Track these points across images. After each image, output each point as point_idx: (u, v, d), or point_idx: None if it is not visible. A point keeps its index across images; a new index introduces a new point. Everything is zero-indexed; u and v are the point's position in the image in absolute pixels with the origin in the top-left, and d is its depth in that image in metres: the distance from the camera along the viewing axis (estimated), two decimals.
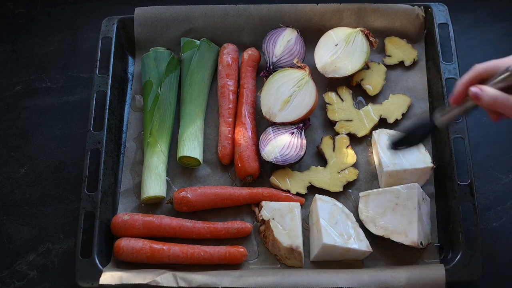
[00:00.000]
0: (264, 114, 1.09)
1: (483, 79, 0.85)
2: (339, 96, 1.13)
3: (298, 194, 1.04)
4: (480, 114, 1.14)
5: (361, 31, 1.14)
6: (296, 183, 1.05)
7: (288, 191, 1.04)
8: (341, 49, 1.13)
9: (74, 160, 1.12)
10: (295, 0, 1.21)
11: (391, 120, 1.10)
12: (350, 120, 1.10)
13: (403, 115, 1.11)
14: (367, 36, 1.14)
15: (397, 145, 0.96)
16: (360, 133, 1.09)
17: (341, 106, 1.12)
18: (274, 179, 1.05)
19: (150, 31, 1.20)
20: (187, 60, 1.17)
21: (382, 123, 1.11)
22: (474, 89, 0.82)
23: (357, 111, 1.12)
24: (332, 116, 1.11)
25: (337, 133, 1.10)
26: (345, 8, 1.18)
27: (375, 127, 1.10)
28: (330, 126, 1.12)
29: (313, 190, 1.05)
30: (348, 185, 1.05)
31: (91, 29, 1.27)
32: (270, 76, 1.10)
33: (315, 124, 1.12)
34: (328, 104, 1.12)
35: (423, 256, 0.98)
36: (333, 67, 1.13)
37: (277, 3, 1.20)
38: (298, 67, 1.10)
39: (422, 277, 0.91)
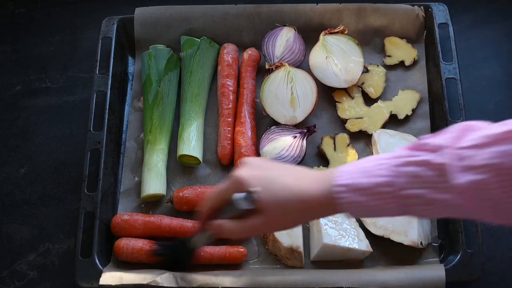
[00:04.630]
0: (285, 123, 1.08)
1: (219, 209, 0.81)
2: (349, 94, 1.13)
3: None
4: (480, 114, 1.14)
5: (325, 34, 1.14)
6: None
7: None
8: (333, 62, 1.13)
9: (74, 160, 1.12)
10: (295, 0, 1.21)
11: (401, 116, 1.10)
12: (361, 118, 1.10)
13: (413, 110, 1.11)
14: (335, 33, 1.14)
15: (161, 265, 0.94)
16: (372, 130, 1.09)
17: (351, 104, 1.12)
18: None
19: (150, 31, 1.20)
20: (187, 59, 1.17)
21: (393, 119, 1.11)
22: (214, 226, 0.80)
23: (368, 108, 1.12)
24: (342, 114, 1.11)
25: (338, 133, 1.10)
26: (345, 8, 1.18)
27: (386, 124, 1.10)
28: (330, 127, 1.12)
29: None
30: None
31: (91, 29, 1.27)
32: (261, 93, 1.10)
33: (316, 124, 1.12)
34: (338, 102, 1.12)
35: (423, 256, 0.98)
36: (335, 81, 1.13)
37: (277, 3, 1.20)
38: (277, 67, 1.10)
39: (422, 277, 0.91)
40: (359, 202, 0.68)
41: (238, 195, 0.76)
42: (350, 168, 0.70)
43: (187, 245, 0.88)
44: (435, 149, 0.65)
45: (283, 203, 0.73)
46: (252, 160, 0.79)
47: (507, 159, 0.59)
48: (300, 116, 1.09)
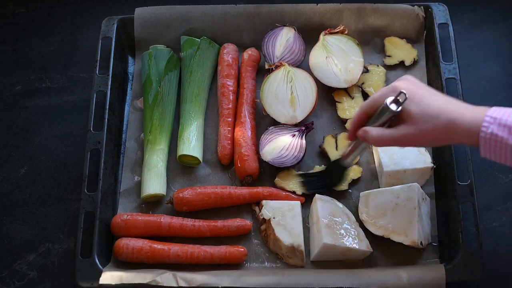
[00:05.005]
0: (285, 123, 1.08)
1: (370, 115, 0.87)
2: (349, 94, 1.13)
3: (304, 195, 1.04)
4: None
5: (325, 34, 1.14)
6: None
7: (294, 192, 1.04)
8: (333, 62, 1.13)
9: (74, 160, 1.12)
10: (295, 0, 1.21)
11: None
12: None
13: None
14: (335, 33, 1.14)
15: (312, 188, 1.03)
16: None
17: (351, 104, 1.12)
18: (279, 181, 1.05)
19: (150, 31, 1.20)
20: (187, 59, 1.17)
21: None
22: (360, 132, 0.86)
23: None
24: (342, 114, 1.11)
25: (338, 132, 1.10)
26: (345, 8, 1.18)
27: None
28: (330, 127, 1.12)
29: None
30: (349, 185, 1.05)
31: (91, 29, 1.27)
32: (261, 93, 1.10)
33: (316, 124, 1.12)
34: (338, 102, 1.12)
35: (423, 256, 0.98)
36: (335, 81, 1.13)
37: (277, 3, 1.20)
38: (276, 67, 1.11)
39: (422, 277, 0.91)
40: (500, 138, 0.74)
41: (389, 99, 0.82)
42: (505, 109, 0.76)
43: (339, 164, 0.98)
44: None
45: (432, 118, 0.79)
46: (411, 77, 0.86)
47: None
48: (300, 116, 1.08)
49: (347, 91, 1.13)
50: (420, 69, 1.16)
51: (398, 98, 0.81)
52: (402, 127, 0.82)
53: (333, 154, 1.07)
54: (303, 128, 1.07)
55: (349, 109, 1.11)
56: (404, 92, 0.81)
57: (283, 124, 1.08)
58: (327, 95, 1.14)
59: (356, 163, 1.07)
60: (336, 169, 1.00)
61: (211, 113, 1.15)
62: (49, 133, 1.16)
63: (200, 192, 1.03)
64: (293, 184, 1.05)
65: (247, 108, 1.12)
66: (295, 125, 1.09)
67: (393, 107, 0.82)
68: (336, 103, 1.13)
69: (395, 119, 0.84)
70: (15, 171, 1.12)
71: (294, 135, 1.06)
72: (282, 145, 1.05)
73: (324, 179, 1.03)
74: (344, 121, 1.11)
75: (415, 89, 0.83)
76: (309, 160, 1.08)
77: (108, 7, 1.30)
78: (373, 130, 0.85)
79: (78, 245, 0.97)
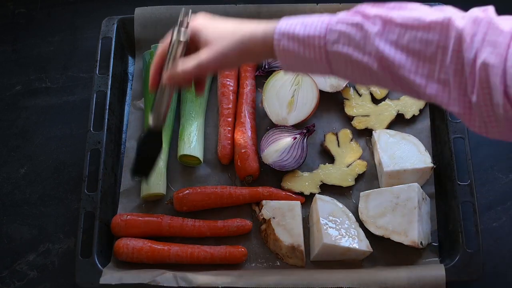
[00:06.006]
0: (275, 123, 1.08)
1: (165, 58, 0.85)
2: (357, 91, 1.13)
3: (312, 194, 1.04)
4: None
5: None
6: (309, 184, 1.05)
7: (302, 193, 1.04)
8: None
9: (74, 160, 1.12)
10: (295, 0, 1.21)
11: (408, 116, 1.10)
12: (367, 116, 1.10)
13: (420, 111, 1.11)
14: None
15: (136, 173, 0.93)
16: (377, 129, 1.09)
17: (358, 101, 1.12)
18: (286, 183, 1.05)
19: (150, 31, 1.19)
20: None
21: (400, 118, 1.11)
22: (164, 76, 0.83)
23: (375, 106, 1.12)
24: (349, 111, 1.11)
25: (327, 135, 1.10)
26: (345, 8, 1.16)
27: (392, 123, 1.10)
28: (330, 127, 1.12)
29: (326, 188, 1.05)
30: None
31: (91, 29, 1.27)
32: (265, 85, 1.10)
33: (316, 124, 1.12)
34: (346, 99, 1.12)
35: (423, 256, 0.98)
36: (320, 82, 1.12)
37: (277, 3, 1.20)
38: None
39: (422, 277, 0.91)
40: (292, 50, 0.73)
41: (175, 32, 0.82)
42: (294, 20, 0.75)
43: (150, 132, 0.88)
44: (370, 17, 0.70)
45: (228, 35, 0.78)
46: (205, 13, 0.86)
47: (428, 48, 0.65)
48: (291, 121, 1.08)
49: (355, 88, 1.13)
50: None
51: (182, 27, 0.82)
52: (202, 51, 0.80)
53: (336, 151, 1.07)
54: (305, 131, 1.07)
55: (357, 106, 1.11)
56: (188, 19, 0.82)
57: (283, 126, 1.08)
58: (327, 95, 1.14)
59: (360, 158, 1.07)
60: (152, 138, 0.90)
61: (211, 113, 1.16)
62: (49, 133, 1.16)
63: (200, 192, 1.03)
64: (301, 185, 1.05)
65: (247, 108, 1.12)
66: (296, 127, 1.09)
67: (182, 35, 0.81)
68: (344, 100, 1.12)
69: (194, 50, 0.82)
70: (15, 171, 1.12)
71: (296, 137, 1.06)
72: (283, 147, 1.05)
73: (145, 153, 0.91)
74: (350, 118, 1.11)
75: (210, 20, 0.83)
76: (309, 160, 1.08)
77: (108, 7, 1.30)
78: (176, 67, 0.81)
79: (78, 245, 0.97)
